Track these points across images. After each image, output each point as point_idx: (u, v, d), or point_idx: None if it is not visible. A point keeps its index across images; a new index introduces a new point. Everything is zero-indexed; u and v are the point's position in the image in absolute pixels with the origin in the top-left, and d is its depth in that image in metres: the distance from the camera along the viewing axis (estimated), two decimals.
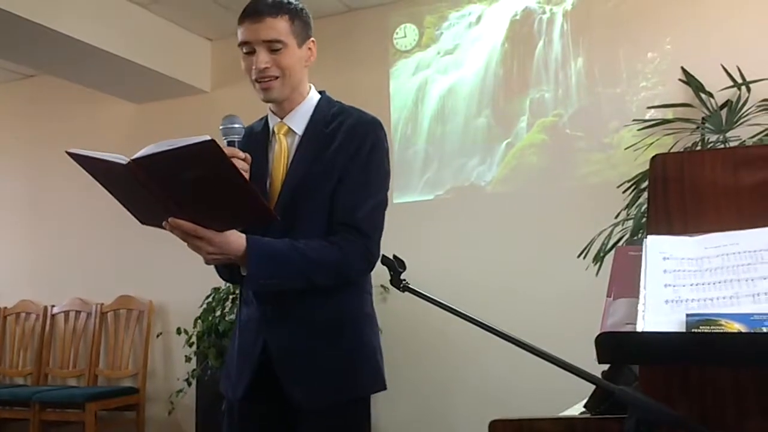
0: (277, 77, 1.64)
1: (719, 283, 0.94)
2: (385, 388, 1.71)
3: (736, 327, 0.84)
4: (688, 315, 0.88)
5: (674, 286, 0.96)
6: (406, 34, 4.33)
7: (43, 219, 5.13)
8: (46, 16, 3.77)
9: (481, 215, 4.02)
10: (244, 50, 1.65)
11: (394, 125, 4.30)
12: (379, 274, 4.62)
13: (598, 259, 3.06)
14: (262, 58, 1.62)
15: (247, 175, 1.56)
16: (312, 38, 1.73)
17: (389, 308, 4.14)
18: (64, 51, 4.09)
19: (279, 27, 1.62)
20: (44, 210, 5.13)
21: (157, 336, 4.62)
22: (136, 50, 4.23)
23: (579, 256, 3.10)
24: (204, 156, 1.30)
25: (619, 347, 0.89)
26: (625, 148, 3.59)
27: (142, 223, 1.50)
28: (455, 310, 1.29)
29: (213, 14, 4.39)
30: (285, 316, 1.65)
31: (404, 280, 1.50)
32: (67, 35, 3.89)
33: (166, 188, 1.37)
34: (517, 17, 4.06)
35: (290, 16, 1.65)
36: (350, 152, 1.65)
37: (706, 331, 0.85)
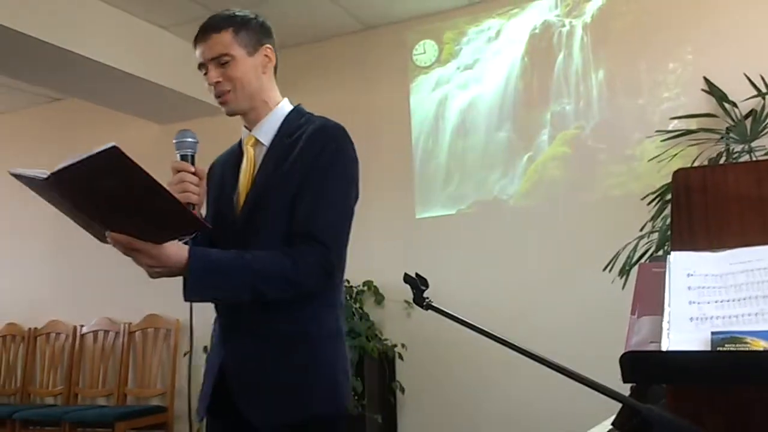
0: (229, 90, 1.65)
1: (744, 299, 0.93)
2: (345, 411, 1.60)
3: (762, 344, 0.83)
4: (713, 333, 0.87)
5: (699, 303, 0.95)
6: (425, 51, 4.35)
7: (72, 240, 5.19)
8: (72, 41, 3.85)
9: (504, 229, 4.01)
10: (202, 71, 1.68)
11: (415, 140, 4.31)
12: (403, 289, 4.60)
13: (624, 272, 3.03)
14: (212, 74, 1.64)
15: (200, 189, 1.57)
16: (268, 45, 1.70)
17: (413, 324, 4.15)
18: (89, 74, 4.17)
19: (223, 41, 1.63)
20: (72, 231, 5.18)
21: (184, 355, 4.65)
22: (159, 72, 4.30)
23: (604, 269, 3.07)
24: (111, 163, 1.27)
25: (644, 367, 0.88)
26: (649, 160, 3.56)
27: (101, 241, 1.46)
28: (479, 328, 1.28)
29: None
30: (241, 330, 1.61)
31: (427, 298, 1.49)
32: (92, 59, 3.97)
33: (89, 201, 1.36)
34: (537, 31, 4.06)
35: (234, 28, 1.65)
36: (310, 159, 1.60)
37: (731, 349, 0.84)
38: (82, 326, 5.10)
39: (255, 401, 1.56)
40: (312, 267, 1.53)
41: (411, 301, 4.03)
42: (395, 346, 4.11)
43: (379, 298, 4.25)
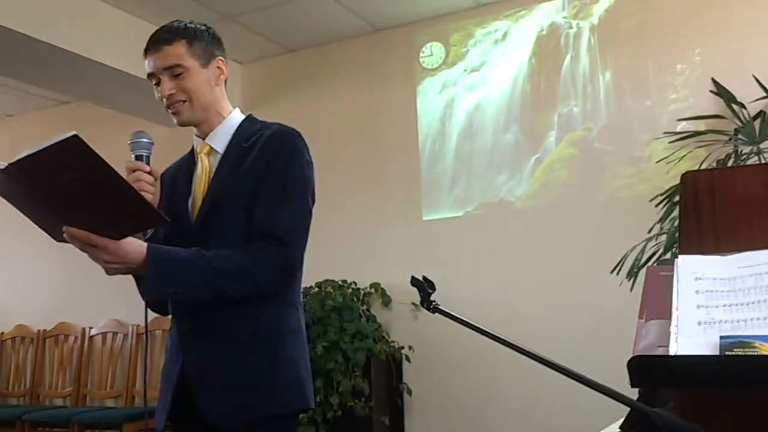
0: (184, 101, 1.65)
1: (753, 303, 0.93)
2: (307, 406, 1.63)
3: None
4: (721, 337, 0.87)
5: (707, 307, 0.95)
6: (432, 53, 4.35)
7: None
8: (80, 45, 3.87)
9: (511, 231, 4.01)
10: (153, 82, 1.69)
11: (422, 143, 4.32)
12: (410, 291, 4.58)
13: (632, 274, 3.02)
14: (166, 85, 1.64)
15: (154, 189, 1.58)
16: (220, 57, 1.71)
17: (420, 326, 4.14)
18: (97, 77, 4.20)
19: (176, 52, 1.64)
20: None
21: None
22: None
23: (612, 271, 3.06)
24: (71, 153, 1.26)
25: (652, 371, 0.88)
26: (657, 161, 3.55)
27: (57, 240, 1.45)
28: (486, 331, 1.28)
29: (242, 38, 4.46)
30: (200, 332, 1.61)
31: (434, 301, 1.49)
32: (100, 62, 3.99)
33: (48, 193, 1.35)
34: (544, 32, 4.06)
35: (187, 39, 1.66)
36: (266, 163, 1.61)
37: (740, 354, 0.83)
38: (90, 328, 5.12)
39: (217, 403, 1.55)
40: (271, 265, 1.54)
41: (418, 303, 4.03)
42: (402, 348, 4.11)
43: (386, 300, 4.25)
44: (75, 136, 1.24)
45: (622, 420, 1.44)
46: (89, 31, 3.94)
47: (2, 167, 1.30)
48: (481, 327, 1.27)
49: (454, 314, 1.37)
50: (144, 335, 4.82)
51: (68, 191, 1.33)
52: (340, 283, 4.14)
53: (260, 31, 4.42)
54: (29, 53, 3.82)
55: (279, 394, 1.57)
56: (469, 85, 4.24)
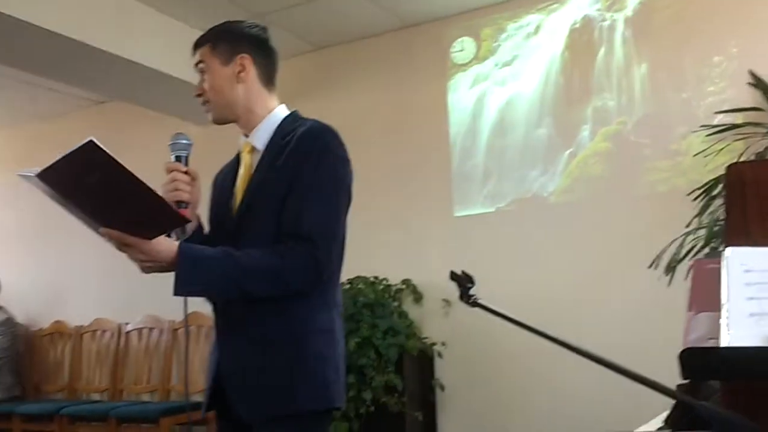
0: (208, 100, 1.71)
1: None
2: (331, 406, 1.62)
3: None
4: None
5: (758, 299, 0.93)
6: (463, 48, 4.34)
7: None
8: (117, 45, 3.93)
9: (544, 227, 3.98)
10: None
11: (453, 139, 4.30)
12: (442, 287, 4.62)
13: (670, 269, 2.98)
14: (197, 86, 1.73)
15: (192, 189, 1.63)
16: (244, 54, 1.71)
17: (452, 322, 4.14)
18: (133, 77, 4.26)
19: (202, 53, 1.72)
20: None
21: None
22: None
23: (650, 266, 3.02)
24: (89, 158, 1.31)
25: (704, 363, 0.87)
26: (694, 155, 3.50)
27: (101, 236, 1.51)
28: (528, 326, 1.27)
29: (273, 37, 4.48)
30: (231, 329, 1.64)
31: (473, 295, 1.49)
32: (136, 62, 4.05)
33: (78, 198, 1.40)
34: (577, 25, 4.02)
35: (212, 42, 1.71)
36: (298, 160, 1.61)
37: None
38: (126, 324, 5.20)
39: (245, 399, 1.59)
40: (299, 265, 1.54)
41: (449, 299, 4.06)
42: (434, 344, 4.11)
43: (418, 297, 4.25)
44: (90, 141, 1.29)
45: (665, 414, 1.43)
46: (125, 32, 4.00)
47: (34, 173, 1.35)
48: (526, 322, 1.26)
49: (495, 309, 1.36)
50: (184, 330, 4.92)
51: (96, 194, 1.38)
52: (371, 279, 4.15)
53: (289, 29, 4.43)
54: (69, 55, 3.89)
55: (302, 394, 1.57)
56: (501, 80, 4.21)
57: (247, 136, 1.74)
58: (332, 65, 4.77)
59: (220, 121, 1.73)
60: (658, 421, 1.49)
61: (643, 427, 1.51)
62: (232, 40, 1.71)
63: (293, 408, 1.56)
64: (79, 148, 1.28)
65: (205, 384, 1.71)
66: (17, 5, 3.44)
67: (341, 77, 4.70)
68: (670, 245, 3.03)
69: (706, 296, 0.98)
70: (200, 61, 1.71)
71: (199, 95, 1.71)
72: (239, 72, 1.70)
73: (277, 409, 1.56)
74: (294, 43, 4.63)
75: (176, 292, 1.48)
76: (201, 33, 1.77)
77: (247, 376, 1.59)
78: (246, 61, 1.71)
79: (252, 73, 1.72)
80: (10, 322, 5.41)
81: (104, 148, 1.30)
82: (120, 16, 3.99)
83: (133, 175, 1.34)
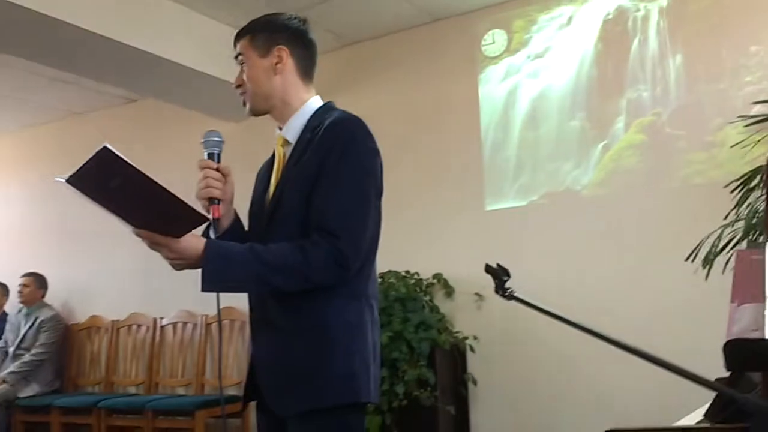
0: (245, 91, 1.73)
1: None
2: (358, 400, 1.59)
3: None
4: None
5: None
6: (494, 40, 4.31)
7: None
8: (149, 43, 3.98)
9: (578, 220, 3.94)
10: None
11: (484, 132, 4.28)
12: (473, 281, 4.59)
13: (708, 262, 2.93)
14: (236, 78, 1.75)
15: (224, 186, 1.65)
16: (281, 46, 1.71)
17: (484, 316, 4.12)
18: (165, 75, 4.31)
19: (241, 46, 1.74)
20: None
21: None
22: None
23: (687, 259, 2.97)
24: (106, 163, 1.34)
25: (749, 355, 0.86)
26: (731, 146, 3.43)
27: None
28: (570, 320, 1.26)
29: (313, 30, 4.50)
30: (262, 323, 1.66)
31: (509, 288, 1.48)
32: (168, 59, 4.09)
33: (106, 201, 1.43)
34: (610, 16, 3.96)
35: (251, 34, 1.73)
36: (323, 152, 1.59)
37: None
38: (161, 318, 5.28)
39: (275, 393, 1.60)
40: (322, 259, 1.52)
41: (481, 293, 4.04)
42: (466, 338, 4.10)
43: (449, 291, 4.24)
44: (104, 147, 1.32)
45: (705, 407, 1.41)
46: (157, 29, 4.05)
47: (63, 179, 1.39)
48: (563, 315, 1.25)
49: (532, 302, 1.35)
50: (217, 324, 4.98)
51: (120, 197, 1.42)
52: (403, 274, 4.15)
53: (319, 26, 4.45)
54: (101, 52, 3.95)
55: (327, 388, 1.56)
56: (533, 72, 4.17)
57: (281, 128, 1.74)
58: (362, 61, 4.77)
59: (256, 113, 1.74)
60: (698, 414, 1.47)
61: (682, 421, 1.49)
62: (270, 32, 1.72)
63: (319, 402, 1.55)
64: (95, 155, 1.32)
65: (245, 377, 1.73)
66: (50, 4, 3.50)
67: (371, 73, 4.70)
68: (707, 238, 2.98)
69: (749, 287, 0.97)
70: (240, 54, 1.72)
71: (238, 86, 1.73)
72: (276, 63, 1.70)
73: (304, 404, 1.56)
74: (324, 40, 4.64)
75: (203, 288, 1.50)
76: (232, 30, 1.80)
77: (276, 370, 1.60)
78: (283, 52, 1.71)
79: (289, 64, 1.71)
80: (56, 318, 5.53)
81: (118, 154, 1.33)
82: (151, 14, 4.04)
83: (147, 177, 1.37)
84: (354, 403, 1.59)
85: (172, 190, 1.41)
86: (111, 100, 5.69)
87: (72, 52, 3.98)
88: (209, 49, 4.28)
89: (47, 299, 5.63)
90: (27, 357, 5.28)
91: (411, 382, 3.70)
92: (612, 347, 1.43)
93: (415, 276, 4.20)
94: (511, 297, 1.45)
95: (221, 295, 1.60)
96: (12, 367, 5.25)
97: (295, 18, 1.76)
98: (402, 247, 4.18)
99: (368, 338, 1.63)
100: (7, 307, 5.82)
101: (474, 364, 4.13)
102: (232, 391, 4.80)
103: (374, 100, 4.54)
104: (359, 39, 4.71)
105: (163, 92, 4.76)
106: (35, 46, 3.89)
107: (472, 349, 4.09)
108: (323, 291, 1.57)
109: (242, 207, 1.80)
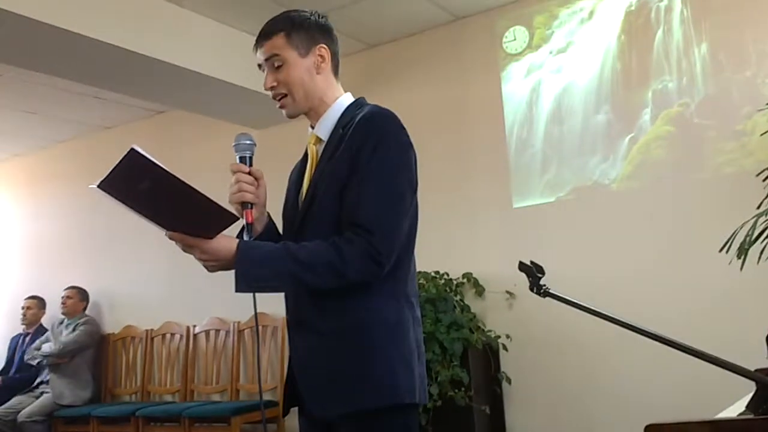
0: (285, 94, 1.66)
1: None
2: (400, 402, 1.54)
3: None
4: None
5: None
6: (516, 37, 4.29)
7: None
8: (174, 55, 4.03)
9: (607, 214, 3.91)
10: (263, 72, 1.71)
11: (509, 129, 4.27)
12: (503, 280, 4.56)
13: (743, 252, 2.88)
14: (268, 78, 1.67)
15: (256, 189, 1.63)
16: (322, 44, 1.68)
17: (516, 315, 4.10)
18: (190, 85, 4.36)
19: (276, 45, 1.65)
20: None
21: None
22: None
23: (721, 250, 2.93)
24: (135, 166, 1.33)
25: None
26: (761, 134, 3.37)
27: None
28: (608, 316, 1.25)
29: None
30: (299, 325, 1.63)
31: (544, 285, 1.48)
32: (191, 70, 4.14)
33: (138, 205, 1.43)
34: (633, 8, 3.93)
35: (286, 31, 1.65)
36: (355, 148, 1.56)
37: None
38: (194, 326, 5.34)
39: (315, 396, 1.57)
40: (356, 255, 1.49)
41: (512, 291, 4.02)
42: (498, 337, 4.09)
43: (480, 290, 4.23)
44: (132, 149, 1.32)
45: (744, 399, 1.39)
46: (181, 41, 4.10)
47: (96, 186, 1.39)
48: (600, 310, 1.24)
49: (568, 298, 1.35)
50: (249, 330, 5.02)
51: (151, 200, 1.41)
52: (432, 274, 4.15)
53: (340, 29, 4.44)
54: (127, 65, 4.01)
55: (368, 390, 1.52)
56: (556, 68, 4.15)
57: (313, 127, 1.72)
58: (384, 63, 4.78)
59: (295, 115, 1.71)
60: (739, 406, 1.46)
61: (723, 413, 1.47)
62: (308, 31, 1.67)
63: (359, 405, 1.52)
64: (124, 158, 1.32)
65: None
66: (77, 21, 3.56)
67: (393, 74, 4.71)
68: (741, 228, 2.93)
69: None
70: (274, 55, 1.65)
71: (272, 88, 1.67)
72: (320, 63, 1.68)
73: (344, 407, 1.52)
74: (346, 43, 4.63)
75: (237, 289, 1.48)
76: (250, 37, 1.73)
77: (314, 373, 1.57)
78: (324, 51, 1.69)
79: (328, 62, 1.70)
80: (92, 321, 5.62)
81: (146, 155, 1.33)
82: (176, 26, 4.09)
83: (176, 177, 1.36)
84: (397, 404, 1.54)
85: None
86: (139, 113, 5.78)
87: (99, 67, 4.04)
88: (229, 57, 4.32)
89: (87, 311, 5.75)
90: (56, 345, 5.33)
91: (445, 382, 3.70)
92: (646, 341, 1.42)
93: (445, 276, 4.20)
94: (546, 294, 1.45)
95: (257, 299, 1.58)
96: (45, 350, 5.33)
97: (320, 14, 1.73)
98: (430, 248, 4.17)
99: (410, 337, 1.60)
100: (45, 320, 5.94)
101: (507, 363, 4.11)
102: (267, 396, 4.84)
103: (398, 102, 4.47)
104: (381, 41, 4.73)
105: (189, 103, 4.83)
106: (63, 63, 3.96)
107: (505, 348, 4.07)
108: (361, 290, 1.54)
109: (271, 211, 1.80)
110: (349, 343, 1.55)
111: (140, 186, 1.37)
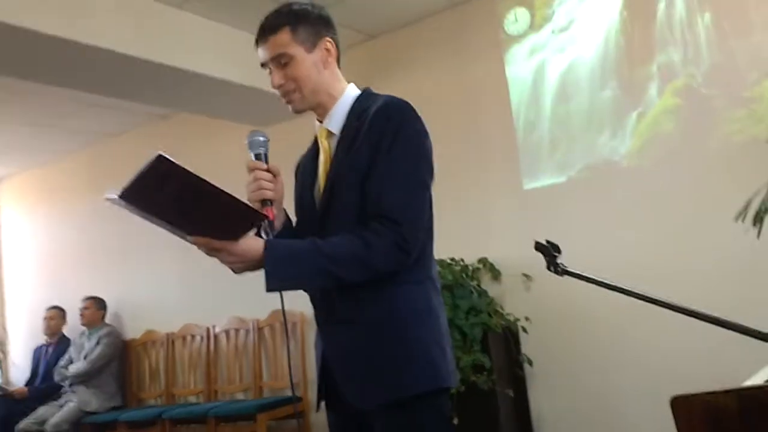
0: (294, 90, 1.65)
1: None
2: (441, 386, 1.57)
3: None
4: None
5: None
6: (517, 19, 4.27)
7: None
8: (178, 58, 4.04)
9: (619, 191, 3.89)
10: (267, 71, 1.69)
11: (515, 111, 4.25)
12: (519, 262, 4.55)
13: (759, 219, 2.86)
14: (275, 76, 1.65)
15: (275, 186, 1.61)
16: (327, 37, 1.67)
17: (533, 297, 4.10)
18: (194, 88, 4.37)
19: (281, 41, 1.63)
20: None
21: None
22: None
23: (736, 219, 2.92)
24: (162, 171, 1.32)
25: None
26: None
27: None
28: (625, 289, 1.26)
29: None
30: (331, 319, 1.63)
31: (561, 263, 1.48)
32: (195, 72, 4.14)
33: (162, 210, 1.42)
34: None
35: (291, 26, 1.63)
36: (374, 139, 1.57)
37: None
38: (214, 326, 5.38)
39: (354, 386, 1.57)
40: (384, 246, 1.50)
41: (529, 273, 4.02)
42: (518, 320, 4.09)
43: (496, 274, 4.23)
44: (159, 155, 1.31)
45: (766, 368, 1.39)
46: (184, 44, 4.11)
47: (116, 195, 1.39)
48: (619, 285, 1.24)
49: (586, 275, 1.35)
50: (268, 328, 5.05)
51: (175, 205, 1.40)
52: (448, 261, 4.15)
53: (341, 22, 4.43)
54: (128, 72, 4.02)
55: (409, 377, 1.54)
56: (559, 47, 4.13)
57: (320, 121, 1.72)
58: (386, 53, 4.78)
59: (303, 111, 1.70)
60: (764, 374, 1.45)
61: (749, 381, 1.47)
62: (312, 25, 1.66)
63: (403, 392, 1.53)
64: (151, 163, 1.32)
65: (317, 376, 1.71)
66: (78, 30, 3.57)
67: (397, 63, 4.70)
68: (755, 195, 2.92)
69: None
70: (280, 53, 1.63)
71: (280, 86, 1.66)
72: (326, 57, 1.67)
73: (388, 395, 1.53)
74: (347, 35, 4.66)
75: (268, 288, 1.47)
76: (251, 36, 1.71)
77: (354, 364, 1.58)
78: (330, 44, 1.68)
79: (334, 56, 1.70)
80: (113, 332, 5.68)
81: (173, 160, 1.33)
82: (178, 29, 4.10)
83: (204, 180, 1.36)
84: (437, 389, 1.56)
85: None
86: (144, 118, 5.80)
87: (100, 75, 4.05)
88: (232, 57, 4.33)
89: (106, 320, 5.79)
90: (84, 365, 5.40)
91: (467, 368, 3.71)
92: (664, 314, 1.42)
93: (461, 262, 4.20)
94: (564, 272, 1.46)
95: (274, 297, 1.58)
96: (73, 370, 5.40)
97: (316, 5, 1.72)
98: (444, 235, 4.11)
99: (440, 322, 1.62)
100: (67, 331, 6.00)
101: (528, 345, 4.11)
102: (288, 392, 4.87)
103: (403, 91, 4.41)
104: (382, 31, 4.72)
105: (193, 105, 4.84)
106: (65, 73, 3.98)
107: (524, 330, 4.08)
108: (390, 279, 1.55)
109: (288, 204, 1.80)
110: (385, 332, 1.56)
111: (164, 191, 1.36)
